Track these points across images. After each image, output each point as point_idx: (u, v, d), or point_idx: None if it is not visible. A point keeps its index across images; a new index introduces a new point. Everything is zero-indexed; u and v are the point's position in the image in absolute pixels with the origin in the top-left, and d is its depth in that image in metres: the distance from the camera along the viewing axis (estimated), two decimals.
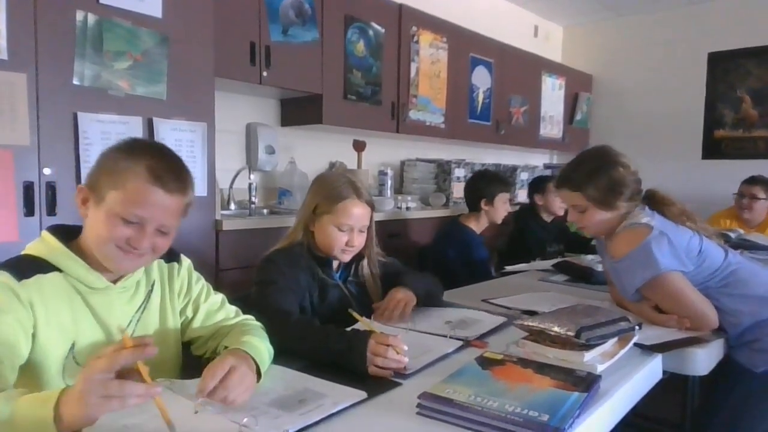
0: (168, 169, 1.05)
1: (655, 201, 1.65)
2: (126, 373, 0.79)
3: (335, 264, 1.63)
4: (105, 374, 0.76)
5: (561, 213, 3.25)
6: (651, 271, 1.48)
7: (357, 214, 1.55)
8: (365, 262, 1.67)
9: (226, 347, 1.12)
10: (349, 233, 1.55)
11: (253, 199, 2.91)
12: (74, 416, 0.76)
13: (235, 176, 2.94)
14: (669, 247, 1.49)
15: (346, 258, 1.59)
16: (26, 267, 1.01)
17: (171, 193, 1.04)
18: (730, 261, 1.56)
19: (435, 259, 2.73)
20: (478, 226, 2.82)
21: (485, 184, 2.81)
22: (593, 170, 1.58)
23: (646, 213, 1.57)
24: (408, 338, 1.22)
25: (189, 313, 1.23)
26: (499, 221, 2.87)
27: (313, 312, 1.55)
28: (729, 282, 1.53)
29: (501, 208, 2.83)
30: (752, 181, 3.52)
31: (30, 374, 0.98)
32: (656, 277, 1.48)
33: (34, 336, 0.98)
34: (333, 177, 1.65)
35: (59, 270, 1.03)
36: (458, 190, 3.93)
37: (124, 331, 0.83)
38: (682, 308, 1.48)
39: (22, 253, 1.06)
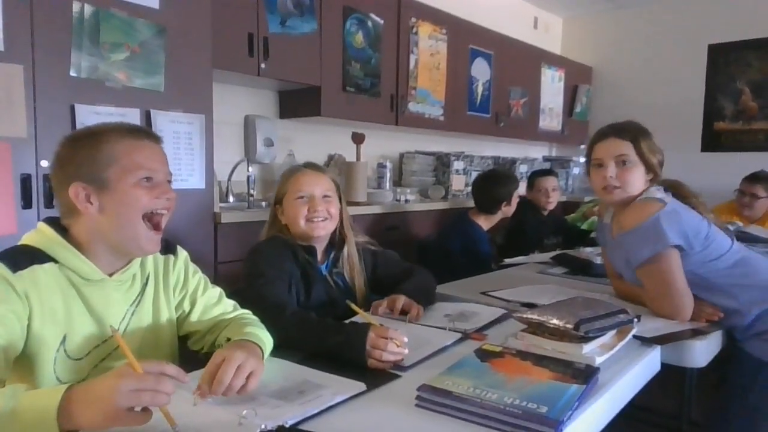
0: (136, 127, 1.12)
1: (678, 194, 1.67)
2: None
3: (320, 254, 1.62)
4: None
5: (550, 207, 3.27)
6: (660, 245, 1.47)
7: (308, 180, 1.60)
8: (346, 249, 1.65)
9: (228, 339, 1.12)
10: (309, 201, 1.56)
11: (251, 191, 2.91)
12: (97, 407, 0.74)
13: (234, 168, 2.94)
14: (678, 224, 1.49)
15: (321, 231, 1.57)
16: (22, 257, 1.00)
17: (155, 142, 1.11)
18: (735, 249, 1.57)
19: (438, 252, 2.73)
20: (487, 223, 2.83)
21: (502, 186, 2.80)
22: (645, 130, 1.65)
23: (661, 191, 1.60)
24: (407, 330, 1.22)
25: (186, 306, 1.23)
26: (510, 214, 2.90)
27: (299, 305, 1.53)
28: (737, 271, 1.53)
29: (515, 203, 2.88)
30: (753, 179, 3.49)
31: (24, 366, 0.98)
32: (661, 252, 1.48)
33: (28, 327, 0.98)
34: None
35: (55, 261, 1.03)
36: (457, 183, 3.92)
37: (116, 330, 0.88)
38: (667, 289, 1.48)
39: (19, 243, 1.05)
